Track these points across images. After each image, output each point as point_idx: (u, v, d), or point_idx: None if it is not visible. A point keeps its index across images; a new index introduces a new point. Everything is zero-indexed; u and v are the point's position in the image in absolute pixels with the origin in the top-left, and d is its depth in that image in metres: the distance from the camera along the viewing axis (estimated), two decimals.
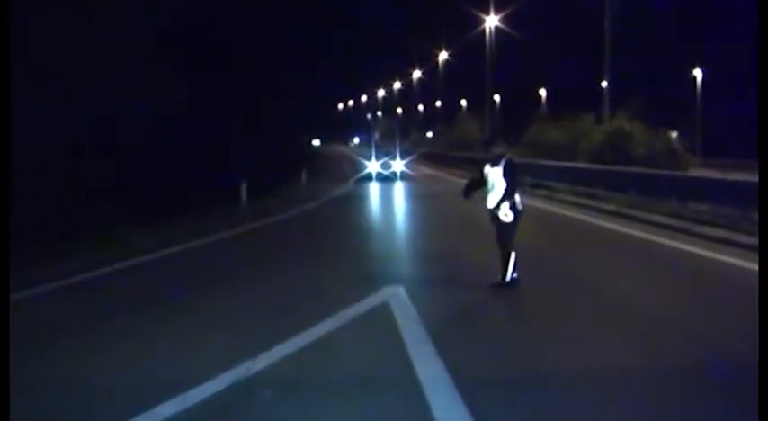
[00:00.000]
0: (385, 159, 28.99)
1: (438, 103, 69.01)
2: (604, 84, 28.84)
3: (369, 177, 28.12)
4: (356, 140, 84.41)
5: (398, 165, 29.01)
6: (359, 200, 21.38)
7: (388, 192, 23.55)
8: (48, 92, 12.34)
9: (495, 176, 7.68)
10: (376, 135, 63.09)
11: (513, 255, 7.63)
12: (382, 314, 6.71)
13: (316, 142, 59.86)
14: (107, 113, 13.89)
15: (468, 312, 7.00)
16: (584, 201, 17.67)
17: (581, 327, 6.27)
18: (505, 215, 7.59)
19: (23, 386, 4.53)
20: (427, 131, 68.64)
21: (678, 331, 6.07)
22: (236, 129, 21.53)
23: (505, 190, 7.59)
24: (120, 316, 7.05)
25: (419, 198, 21.60)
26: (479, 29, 40.74)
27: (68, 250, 10.58)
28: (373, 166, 28.58)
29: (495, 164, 7.70)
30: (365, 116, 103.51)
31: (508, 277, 7.64)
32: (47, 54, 12.26)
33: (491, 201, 7.72)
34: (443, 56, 57.43)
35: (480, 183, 7.93)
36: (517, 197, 7.69)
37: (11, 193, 6.00)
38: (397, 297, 7.33)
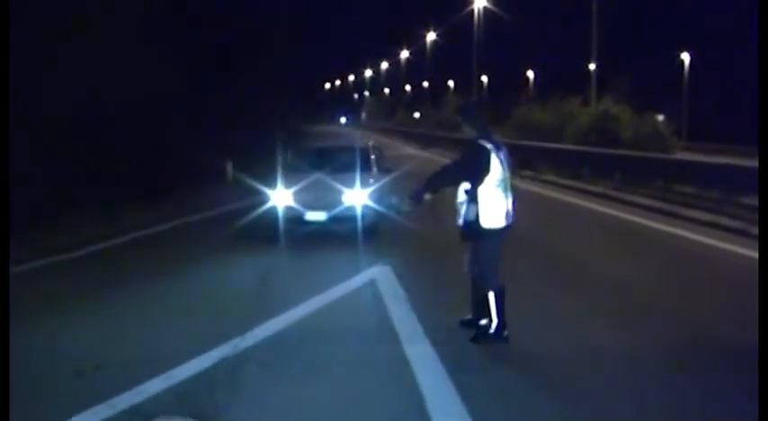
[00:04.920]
0: (312, 178, 10.28)
1: (425, 84, 68.83)
2: (592, 66, 28.90)
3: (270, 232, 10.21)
4: (343, 120, 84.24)
5: (356, 195, 9.80)
6: None
7: None
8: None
9: (505, 169, 5.16)
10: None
11: (492, 294, 5.18)
12: (370, 291, 6.79)
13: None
14: (89, 91, 13.66)
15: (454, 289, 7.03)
16: (569, 182, 17.75)
17: (567, 306, 6.33)
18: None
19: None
20: (414, 112, 68.40)
21: (663, 309, 6.16)
22: (220, 108, 21.30)
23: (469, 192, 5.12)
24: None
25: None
26: (468, 10, 40.63)
27: (60, 227, 10.55)
28: (281, 198, 10.27)
29: (499, 149, 5.17)
30: (352, 96, 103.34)
31: (493, 327, 5.18)
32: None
33: (508, 209, 5.18)
34: (431, 37, 57.32)
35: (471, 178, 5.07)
36: (485, 204, 5.08)
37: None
38: (383, 275, 7.38)
